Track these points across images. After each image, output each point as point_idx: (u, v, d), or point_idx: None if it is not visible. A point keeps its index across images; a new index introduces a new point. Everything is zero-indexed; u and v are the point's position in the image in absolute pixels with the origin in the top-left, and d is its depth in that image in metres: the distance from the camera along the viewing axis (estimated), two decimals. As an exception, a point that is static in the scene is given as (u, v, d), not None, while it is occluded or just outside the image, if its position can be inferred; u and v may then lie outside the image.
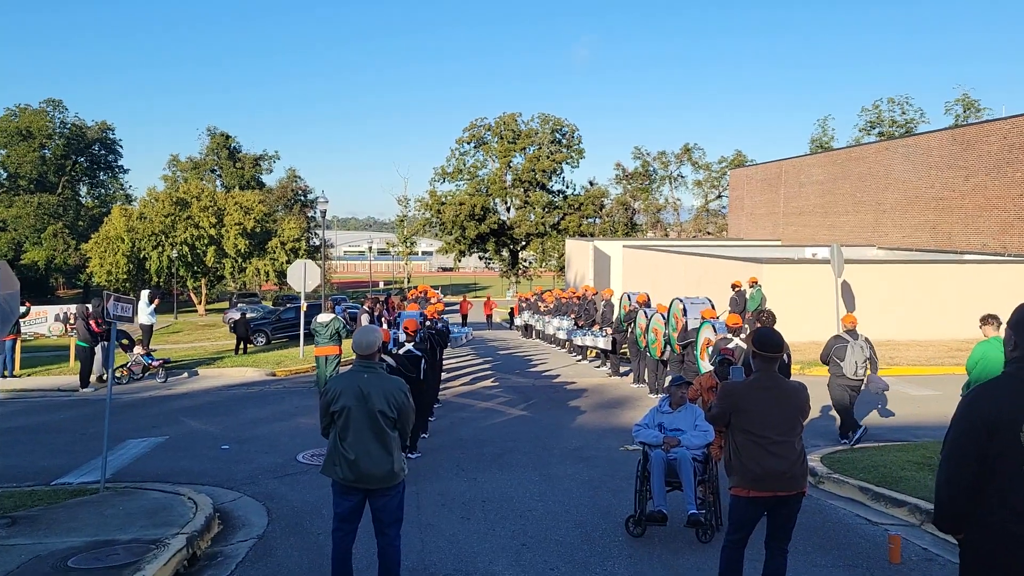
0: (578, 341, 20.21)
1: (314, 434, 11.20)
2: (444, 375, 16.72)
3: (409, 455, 10.32)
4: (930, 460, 9.13)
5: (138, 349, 18.20)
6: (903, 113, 62.63)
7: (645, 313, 15.52)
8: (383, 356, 9.13)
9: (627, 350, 17.40)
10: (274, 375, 18.78)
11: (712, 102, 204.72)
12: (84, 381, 16.92)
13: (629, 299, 17.07)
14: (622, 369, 17.86)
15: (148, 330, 19.64)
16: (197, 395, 16.29)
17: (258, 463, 10.29)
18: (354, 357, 5.51)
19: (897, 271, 21.85)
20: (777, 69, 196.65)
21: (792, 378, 8.49)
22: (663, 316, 14.55)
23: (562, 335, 22.92)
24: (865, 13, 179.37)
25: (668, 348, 13.94)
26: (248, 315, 38.12)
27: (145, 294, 20.17)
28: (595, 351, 20.09)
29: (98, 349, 17.94)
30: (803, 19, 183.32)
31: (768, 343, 5.20)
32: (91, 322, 17.32)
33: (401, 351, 10.62)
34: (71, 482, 9.63)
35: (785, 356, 9.28)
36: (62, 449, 11.64)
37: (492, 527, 7.47)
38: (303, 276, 19.81)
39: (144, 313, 19.63)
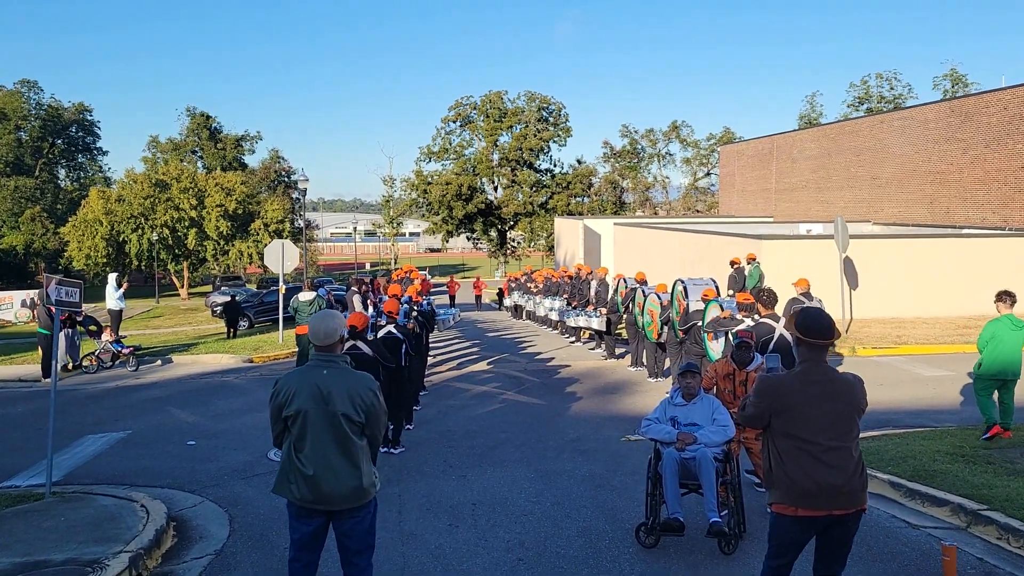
0: (571, 322, 19.32)
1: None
2: (431, 359, 15.84)
3: (392, 450, 9.45)
4: (962, 450, 8.33)
5: (106, 336, 17.20)
6: (891, 89, 62.07)
7: (643, 292, 14.64)
8: (359, 343, 8.21)
9: (624, 331, 16.55)
10: (251, 361, 17.83)
11: (699, 80, 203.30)
12: (46, 370, 15.93)
13: (625, 283, 16.17)
14: (617, 351, 17.02)
15: (117, 316, 18.61)
16: (167, 384, 15.33)
17: (225, 461, 9.39)
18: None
19: (900, 246, 21.02)
20: (764, 46, 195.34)
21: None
22: (658, 296, 13.68)
23: (554, 316, 22.02)
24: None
25: (665, 330, 13.09)
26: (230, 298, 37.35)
27: (113, 277, 19.09)
28: (588, 332, 19.25)
29: (61, 336, 16.99)
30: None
31: (816, 327, 4.28)
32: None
33: (380, 333, 9.73)
34: (19, 485, 8.72)
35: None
36: (16, 446, 10.72)
37: (483, 536, 6.61)
38: (280, 257, 18.80)
39: (112, 298, 18.63)
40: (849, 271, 19.19)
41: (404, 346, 9.52)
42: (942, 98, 50.53)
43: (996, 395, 9.12)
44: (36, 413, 12.78)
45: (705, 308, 10.62)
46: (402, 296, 12.91)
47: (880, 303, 19.77)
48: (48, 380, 15.80)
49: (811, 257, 19.47)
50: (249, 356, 18.10)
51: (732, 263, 19.20)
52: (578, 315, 18.52)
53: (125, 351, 17.15)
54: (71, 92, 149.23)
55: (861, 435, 9.59)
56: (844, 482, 4.16)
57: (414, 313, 11.58)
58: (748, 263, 18.31)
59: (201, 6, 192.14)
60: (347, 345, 8.17)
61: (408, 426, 10.66)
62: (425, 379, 13.79)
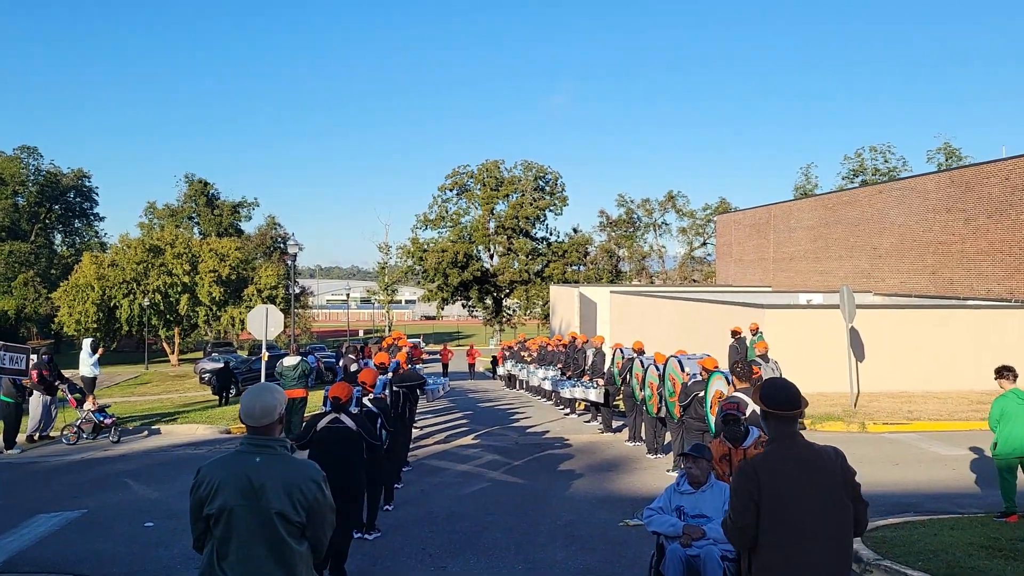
0: (566, 393, 18.47)
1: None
2: (416, 431, 14.99)
3: (366, 535, 8.58)
4: (998, 543, 7.52)
5: (89, 404, 16.15)
6: (886, 161, 62.35)
7: (641, 363, 13.88)
8: (343, 417, 7.46)
9: (622, 403, 15.75)
10: (228, 432, 16.91)
11: (694, 151, 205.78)
12: (9, 442, 14.99)
13: (622, 354, 15.44)
14: (614, 424, 16.18)
15: (91, 383, 17.72)
16: (135, 457, 14.40)
17: (181, 547, 8.49)
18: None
19: (906, 316, 20.37)
20: (758, 118, 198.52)
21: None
22: (658, 367, 12.93)
23: (547, 386, 21.18)
24: (845, 66, 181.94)
25: (664, 407, 12.29)
26: (220, 365, 36.46)
27: (87, 343, 18.23)
28: (584, 404, 18.42)
29: (36, 403, 16.12)
30: (783, 69, 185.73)
31: (784, 396, 3.80)
32: (32, 373, 15.65)
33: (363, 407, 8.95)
34: (-49, 572, 7.83)
35: None
36: (-40, 526, 9.80)
37: (461, 643, 5.75)
38: (264, 322, 18.01)
39: (86, 364, 17.78)
40: (855, 342, 18.50)
41: (379, 420, 8.74)
42: (936, 170, 50.67)
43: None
44: (-10, 488, 11.89)
45: (708, 379, 9.86)
46: (389, 364, 12.18)
47: (887, 376, 19.01)
48: (11, 452, 14.92)
49: (815, 327, 18.82)
50: (227, 427, 17.21)
51: (733, 333, 18.52)
52: (573, 386, 17.72)
53: (107, 421, 16.06)
54: (71, 158, 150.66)
55: (881, 522, 8.83)
56: None
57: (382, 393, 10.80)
58: (752, 333, 17.60)
59: (202, 75, 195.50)
60: (328, 419, 7.48)
61: (387, 507, 9.81)
62: (409, 453, 12.94)
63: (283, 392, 3.80)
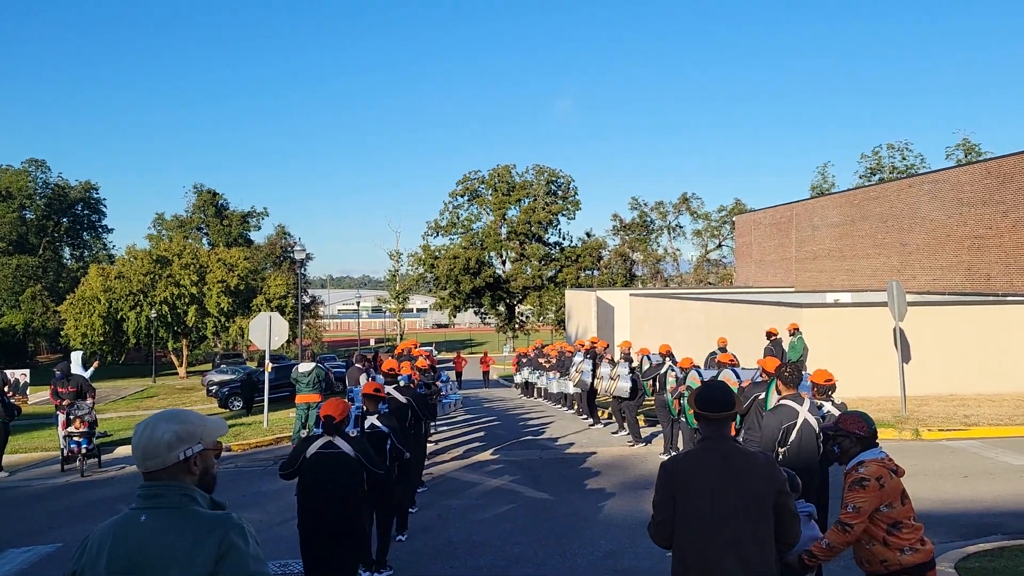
0: (596, 383, 16.53)
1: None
2: (431, 445, 13.79)
3: (376, 575, 7.37)
4: None
5: (74, 428, 14.55)
6: (903, 159, 60.95)
7: (672, 369, 12.57)
8: (337, 440, 6.11)
9: (657, 413, 14.48)
10: (229, 450, 15.73)
11: (708, 152, 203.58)
12: (-6, 464, 13.90)
13: (649, 359, 14.22)
14: (643, 433, 14.91)
15: (83, 399, 16.57)
16: (123, 481, 13.22)
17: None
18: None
19: (956, 313, 18.97)
20: (772, 118, 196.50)
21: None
22: (699, 372, 11.67)
23: (573, 386, 19.05)
24: (858, 63, 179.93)
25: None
26: (228, 376, 35.46)
27: (77, 356, 17.10)
28: (608, 412, 17.12)
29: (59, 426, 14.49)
30: (797, 65, 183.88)
31: (713, 399, 3.84)
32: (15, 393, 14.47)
33: (366, 426, 7.71)
34: None
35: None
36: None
37: None
38: (267, 331, 16.86)
39: (78, 378, 16.65)
40: (902, 342, 17.20)
41: (389, 442, 7.44)
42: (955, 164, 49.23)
43: None
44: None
45: (769, 386, 8.56)
46: (399, 374, 11.00)
47: (935, 378, 17.69)
48: (3, 475, 13.81)
49: (858, 327, 17.53)
50: (227, 444, 16.03)
51: (769, 334, 17.28)
52: (601, 379, 16.08)
53: (84, 447, 13.89)
54: (79, 170, 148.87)
55: (971, 548, 7.58)
56: None
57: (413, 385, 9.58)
58: (791, 334, 16.34)
59: (211, 85, 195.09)
60: (320, 443, 6.10)
61: (400, 536, 8.62)
62: (424, 472, 11.75)
63: (195, 421, 2.53)
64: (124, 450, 16.19)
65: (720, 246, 78.10)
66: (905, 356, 17.55)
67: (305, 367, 14.98)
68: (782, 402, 6.71)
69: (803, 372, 7.97)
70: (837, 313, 18.93)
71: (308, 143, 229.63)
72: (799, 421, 6.48)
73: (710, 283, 73.46)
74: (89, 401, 14.48)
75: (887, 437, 14.09)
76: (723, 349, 15.12)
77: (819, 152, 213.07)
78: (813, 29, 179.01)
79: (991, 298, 24.02)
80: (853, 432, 4.40)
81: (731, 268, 66.02)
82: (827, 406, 7.38)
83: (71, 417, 14.05)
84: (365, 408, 7.62)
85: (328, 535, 5.86)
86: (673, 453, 12.92)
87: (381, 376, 12.55)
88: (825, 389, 7.49)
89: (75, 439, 13.92)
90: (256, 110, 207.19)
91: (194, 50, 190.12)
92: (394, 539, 8.22)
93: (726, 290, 45.52)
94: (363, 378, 13.75)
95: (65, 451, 14.04)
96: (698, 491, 3.64)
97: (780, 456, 6.50)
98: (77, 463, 13.88)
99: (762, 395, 8.64)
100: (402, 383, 10.40)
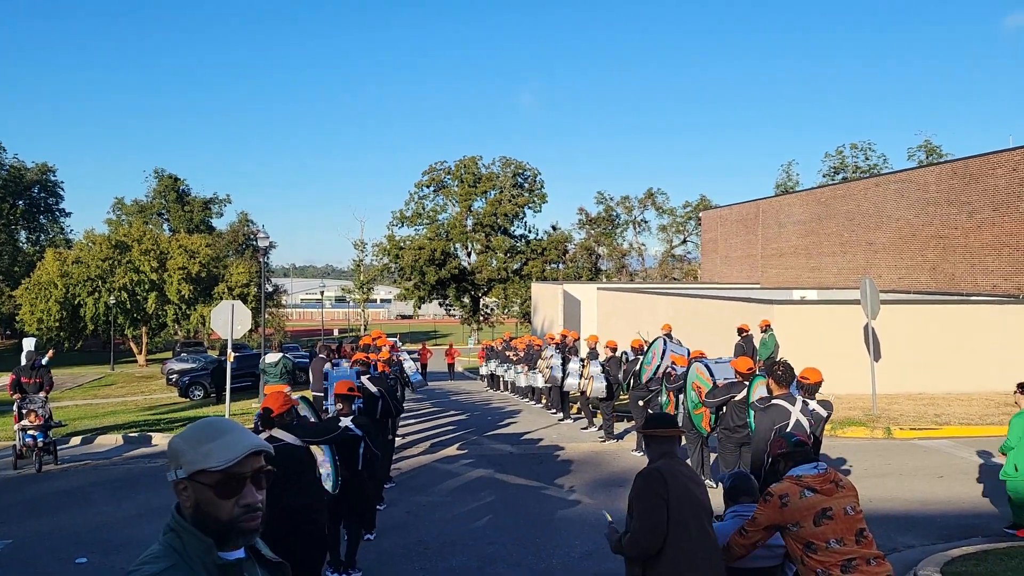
0: (569, 380, 16.07)
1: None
2: (398, 439, 13.45)
3: (345, 576, 7.04)
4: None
5: (28, 421, 13.87)
6: (867, 159, 61.79)
7: (674, 369, 11.65)
8: (277, 432, 5.55)
9: (631, 408, 14.22)
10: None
11: (673, 149, 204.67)
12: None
13: (661, 357, 11.99)
14: (616, 429, 14.70)
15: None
16: (81, 473, 12.70)
17: (117, 593, 6.94)
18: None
19: (924, 313, 19.06)
20: (737, 117, 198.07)
21: (823, 441, 7.37)
22: (706, 366, 11.01)
23: (543, 380, 18.77)
24: (825, 62, 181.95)
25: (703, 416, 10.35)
26: (189, 365, 34.70)
27: (29, 343, 16.38)
28: (577, 407, 16.86)
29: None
30: (762, 67, 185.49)
31: (664, 420, 4.24)
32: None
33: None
34: None
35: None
36: None
37: None
38: (229, 319, 16.37)
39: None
40: (873, 340, 17.20)
41: (363, 444, 7.02)
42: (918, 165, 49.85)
43: None
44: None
45: (750, 385, 8.38)
46: (370, 365, 10.65)
47: (905, 377, 17.72)
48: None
49: (829, 324, 17.49)
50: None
51: (740, 330, 17.18)
52: (576, 377, 15.62)
53: (40, 441, 13.08)
54: (35, 152, 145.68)
55: (954, 551, 7.46)
56: None
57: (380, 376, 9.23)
58: (762, 331, 16.24)
59: (172, 68, 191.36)
60: (263, 436, 5.48)
61: (368, 535, 8.27)
62: (392, 466, 11.42)
63: (182, 440, 1.96)
64: (77, 440, 15.62)
65: (685, 241, 78.49)
66: (876, 354, 17.57)
67: (272, 357, 14.65)
68: (774, 402, 6.52)
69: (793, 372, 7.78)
70: (809, 311, 18.91)
71: (273, 131, 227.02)
72: (791, 421, 6.31)
73: (675, 278, 73.75)
74: (42, 394, 13.76)
75: (859, 435, 14.05)
76: (668, 335, 14.71)
77: (783, 151, 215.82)
78: (779, 31, 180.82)
79: (957, 297, 24.24)
80: (776, 452, 4.61)
81: (696, 264, 66.29)
82: (812, 404, 7.20)
83: (24, 411, 13.36)
84: (339, 409, 7.21)
85: (286, 534, 5.41)
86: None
87: (345, 364, 12.21)
88: (812, 388, 7.30)
89: (30, 432, 13.25)
90: (221, 96, 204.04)
91: (157, 33, 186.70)
92: (362, 538, 7.89)
93: (694, 285, 45.68)
94: (327, 368, 13.28)
95: (19, 445, 13.35)
96: (686, 500, 3.85)
97: None
98: (33, 457, 13.23)
99: (737, 395, 8.48)
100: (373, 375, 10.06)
